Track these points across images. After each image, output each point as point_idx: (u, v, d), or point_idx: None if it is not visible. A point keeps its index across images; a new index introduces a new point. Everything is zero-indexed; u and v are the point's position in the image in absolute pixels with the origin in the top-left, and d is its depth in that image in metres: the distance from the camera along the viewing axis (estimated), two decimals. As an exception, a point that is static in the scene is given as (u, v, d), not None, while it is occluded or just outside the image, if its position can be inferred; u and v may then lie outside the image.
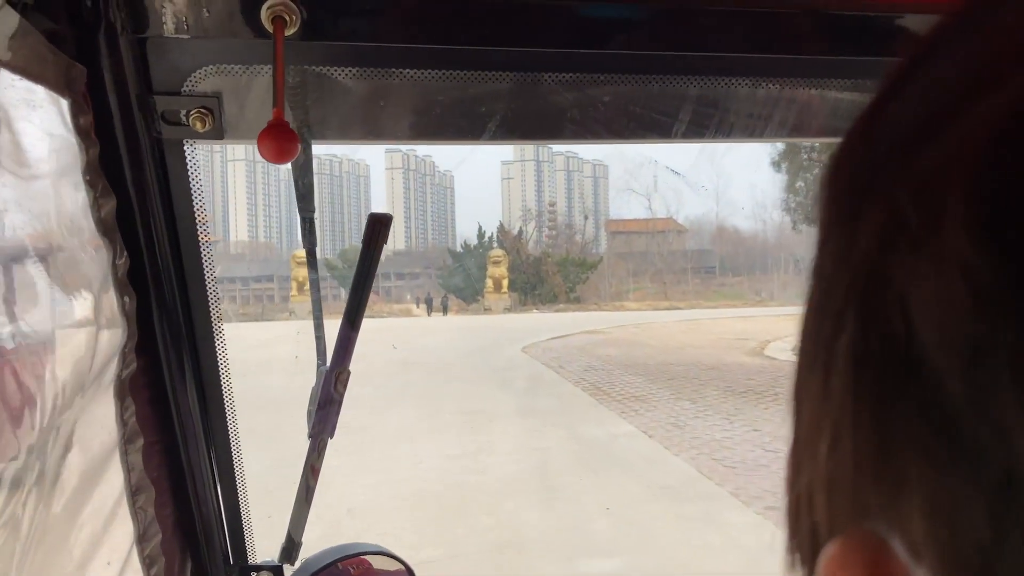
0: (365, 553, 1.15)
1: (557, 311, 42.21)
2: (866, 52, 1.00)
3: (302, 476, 1.25)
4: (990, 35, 0.26)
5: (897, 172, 0.26)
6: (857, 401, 0.26)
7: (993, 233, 0.22)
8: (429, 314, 40.48)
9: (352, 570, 1.18)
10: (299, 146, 0.98)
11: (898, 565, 0.25)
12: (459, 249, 51.50)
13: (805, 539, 0.30)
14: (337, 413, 1.22)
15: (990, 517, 0.22)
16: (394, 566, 1.17)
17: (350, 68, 1.03)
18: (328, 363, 1.20)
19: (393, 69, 1.03)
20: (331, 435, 1.23)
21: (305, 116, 1.07)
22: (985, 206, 0.22)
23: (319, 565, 1.09)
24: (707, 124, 1.10)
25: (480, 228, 51.65)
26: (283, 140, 0.97)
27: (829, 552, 0.27)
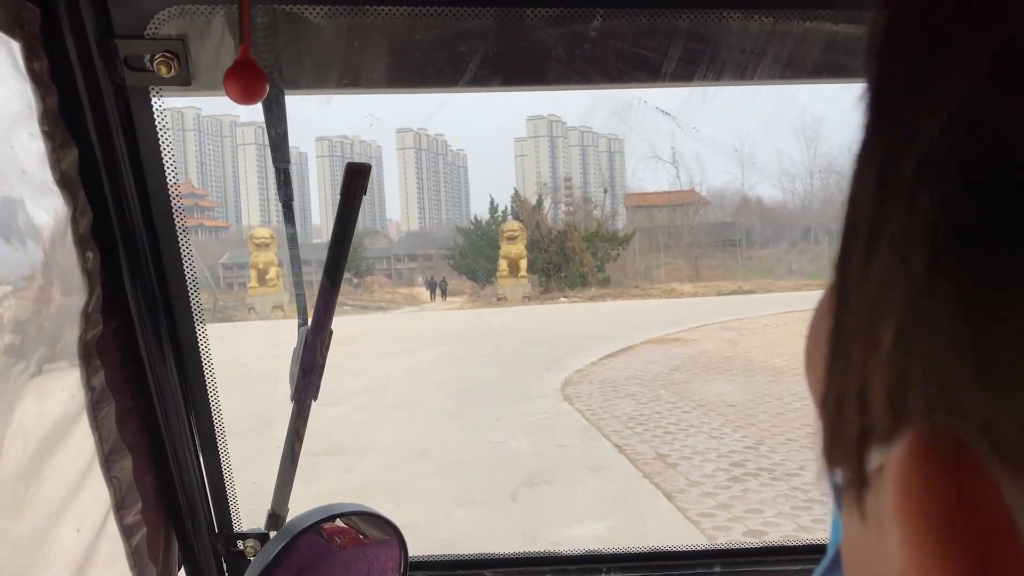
0: (350, 513, 1.10)
1: (592, 299, 32.49)
2: None
3: (286, 441, 1.21)
4: None
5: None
6: (953, 272, 0.22)
7: None
8: (432, 298, 38.66)
9: (338, 539, 1.14)
10: (267, 86, 0.94)
11: (980, 472, 0.21)
12: (469, 226, 45.55)
13: (851, 446, 0.26)
14: (320, 375, 1.18)
15: None
16: (381, 527, 1.13)
17: (321, 5, 0.98)
18: (309, 323, 1.16)
19: (367, 6, 0.98)
20: (315, 398, 1.19)
21: (276, 60, 1.02)
22: None
23: (302, 526, 1.05)
24: (697, 62, 1.04)
25: (492, 201, 44.99)
26: (250, 79, 0.92)
27: (902, 449, 0.23)
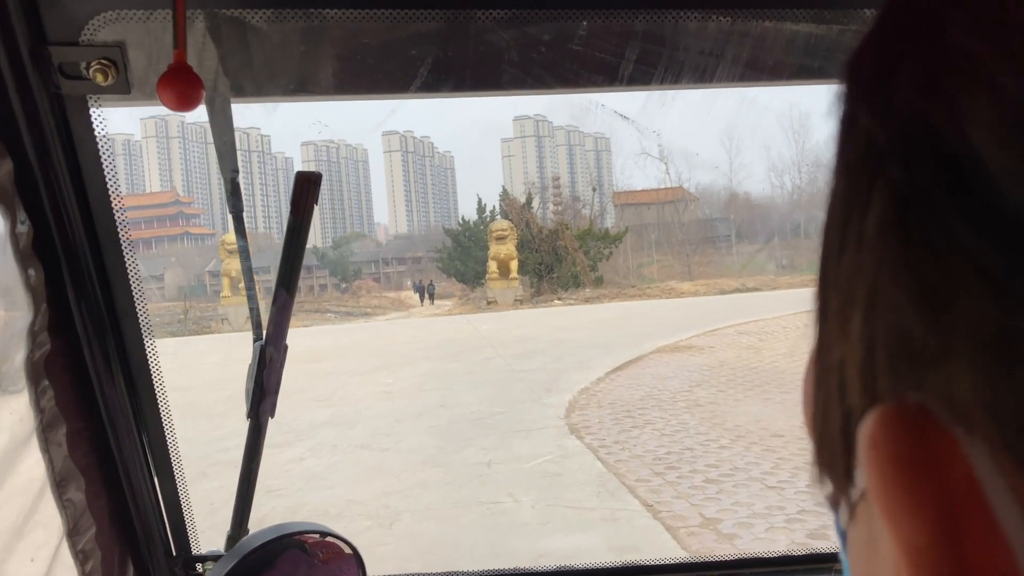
0: (305, 532, 1.07)
1: (587, 301, 30.07)
2: None
3: (243, 461, 1.17)
4: None
5: (949, 15, 0.24)
6: (899, 248, 0.24)
7: None
8: (421, 303, 38.16)
9: (321, 554, 1.11)
10: (203, 93, 0.90)
11: (945, 437, 0.23)
12: (457, 227, 44.26)
13: (837, 437, 0.28)
14: (276, 392, 1.14)
15: None
16: (337, 547, 1.10)
17: (264, 10, 0.94)
18: (264, 338, 1.12)
19: (312, 9, 0.94)
20: (271, 415, 1.15)
21: (218, 67, 0.98)
22: None
23: (252, 546, 1.02)
24: (655, 65, 1.01)
25: (480, 201, 44.10)
26: (185, 85, 0.88)
27: (870, 422, 0.24)
